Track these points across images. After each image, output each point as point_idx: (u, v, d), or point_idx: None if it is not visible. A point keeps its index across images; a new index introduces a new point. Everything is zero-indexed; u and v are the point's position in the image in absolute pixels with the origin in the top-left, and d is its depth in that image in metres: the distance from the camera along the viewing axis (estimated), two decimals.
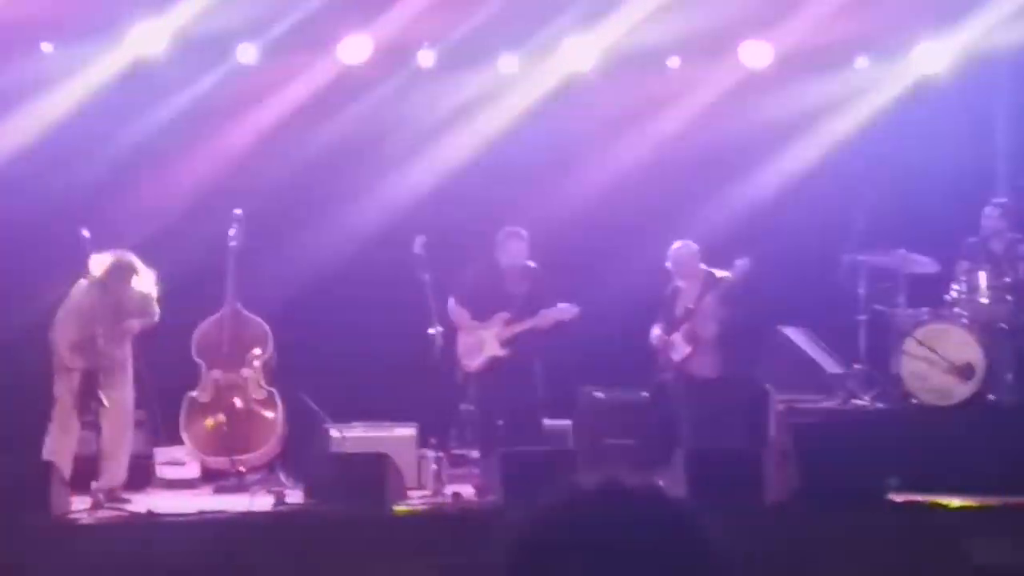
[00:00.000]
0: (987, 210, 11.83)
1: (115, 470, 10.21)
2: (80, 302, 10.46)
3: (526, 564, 2.01)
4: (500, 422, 11.26)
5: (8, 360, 11.19)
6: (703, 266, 11.56)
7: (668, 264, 11.63)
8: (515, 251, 11.48)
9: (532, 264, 11.49)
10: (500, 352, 11.34)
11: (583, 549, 1.97)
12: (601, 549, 1.96)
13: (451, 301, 11.41)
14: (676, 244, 11.64)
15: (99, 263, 10.44)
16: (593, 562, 1.95)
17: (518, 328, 11.34)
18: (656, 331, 11.60)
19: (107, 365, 10.33)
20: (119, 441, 10.37)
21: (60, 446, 10.23)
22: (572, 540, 1.99)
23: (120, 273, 10.49)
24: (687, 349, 11.47)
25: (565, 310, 11.28)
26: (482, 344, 11.38)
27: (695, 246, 11.62)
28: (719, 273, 11.47)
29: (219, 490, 10.86)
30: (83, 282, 10.48)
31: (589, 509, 2.02)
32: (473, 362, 11.39)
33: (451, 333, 11.34)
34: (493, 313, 11.40)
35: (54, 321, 10.52)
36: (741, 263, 11.31)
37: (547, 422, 11.75)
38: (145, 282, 10.57)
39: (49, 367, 10.45)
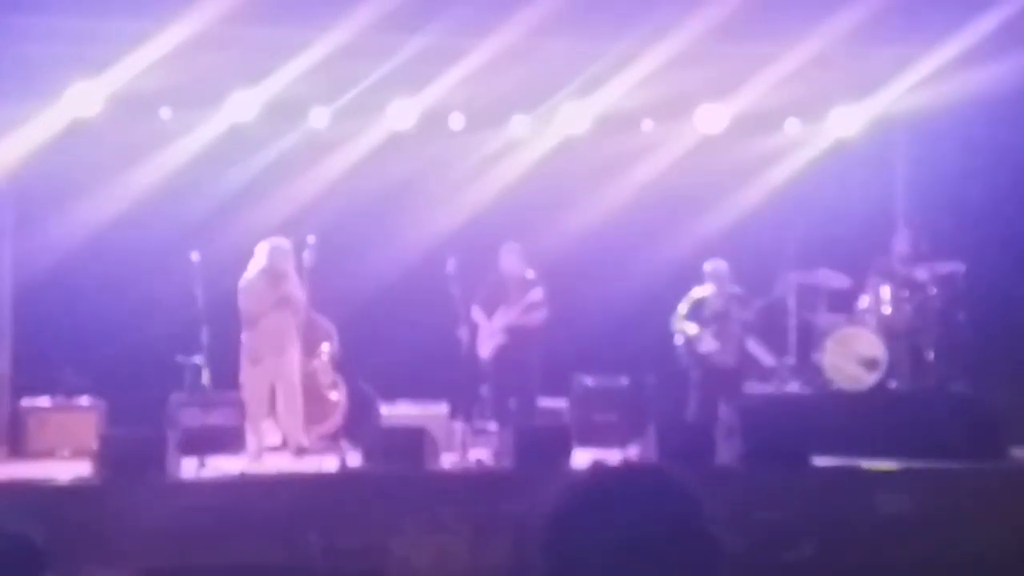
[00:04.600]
0: (896, 238, 11.83)
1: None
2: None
3: (561, 531, 2.00)
4: (511, 400, 11.32)
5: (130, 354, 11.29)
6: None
7: (707, 277, 11.59)
8: (510, 262, 11.53)
9: (531, 274, 11.53)
10: (501, 339, 11.38)
11: (608, 516, 1.97)
12: (622, 516, 1.96)
13: (474, 307, 11.48)
14: (713, 262, 11.62)
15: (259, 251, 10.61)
16: (616, 526, 1.95)
17: (510, 316, 11.33)
18: (689, 327, 11.53)
19: None
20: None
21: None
22: (599, 509, 1.98)
23: (278, 254, 10.56)
24: (716, 345, 11.45)
25: (534, 293, 11.30)
26: (490, 335, 11.44)
27: (726, 264, 11.60)
28: (737, 289, 11.55)
29: (296, 454, 10.92)
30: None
31: (611, 483, 2.03)
32: (485, 350, 11.45)
33: (475, 332, 11.40)
34: (496, 310, 11.47)
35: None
36: (787, 280, 11.38)
37: (547, 402, 11.78)
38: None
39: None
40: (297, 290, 10.85)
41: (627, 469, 2.11)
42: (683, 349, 11.60)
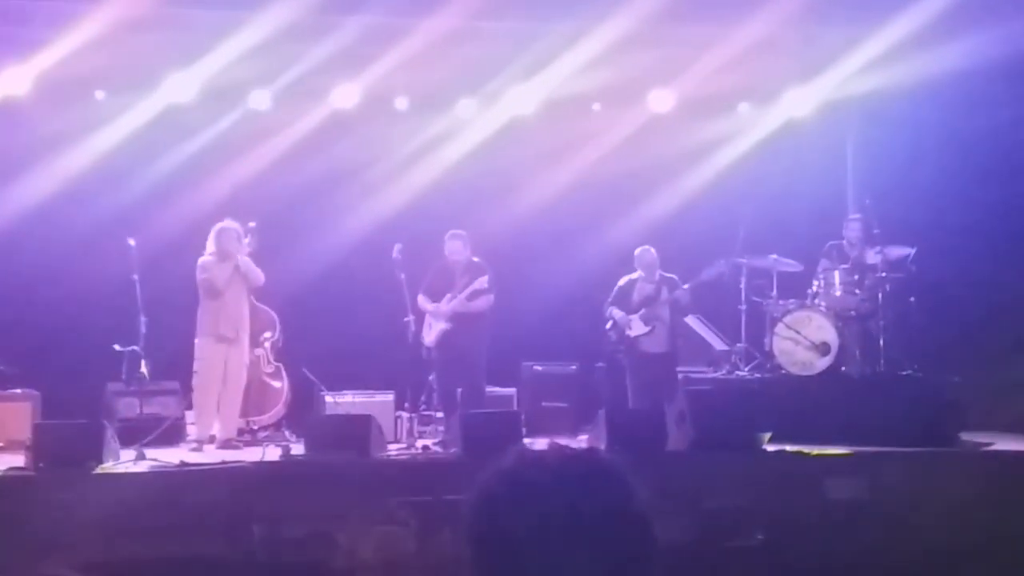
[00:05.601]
0: (846, 222, 11.85)
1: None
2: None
3: (486, 518, 1.96)
4: (459, 390, 11.20)
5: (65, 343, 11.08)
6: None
7: (636, 262, 11.51)
8: (454, 248, 11.37)
9: (476, 259, 11.41)
10: (445, 325, 11.24)
11: (533, 501, 1.92)
12: (548, 501, 1.92)
13: (420, 294, 11.35)
14: (642, 248, 11.54)
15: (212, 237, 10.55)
16: (542, 511, 1.91)
17: (454, 303, 11.23)
18: (617, 312, 11.48)
19: None
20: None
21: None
22: (524, 494, 1.94)
23: (226, 236, 10.48)
24: (645, 328, 11.40)
25: (480, 281, 11.17)
26: (433, 321, 11.31)
27: (654, 250, 11.54)
28: (668, 274, 11.47)
29: (221, 447, 10.65)
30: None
31: (537, 468, 1.97)
32: (429, 337, 11.31)
33: (421, 320, 11.30)
34: (442, 297, 11.33)
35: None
36: (719, 265, 11.36)
37: (495, 389, 11.69)
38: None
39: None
40: (252, 269, 10.73)
41: (551, 452, 2.00)
42: (613, 335, 11.55)
